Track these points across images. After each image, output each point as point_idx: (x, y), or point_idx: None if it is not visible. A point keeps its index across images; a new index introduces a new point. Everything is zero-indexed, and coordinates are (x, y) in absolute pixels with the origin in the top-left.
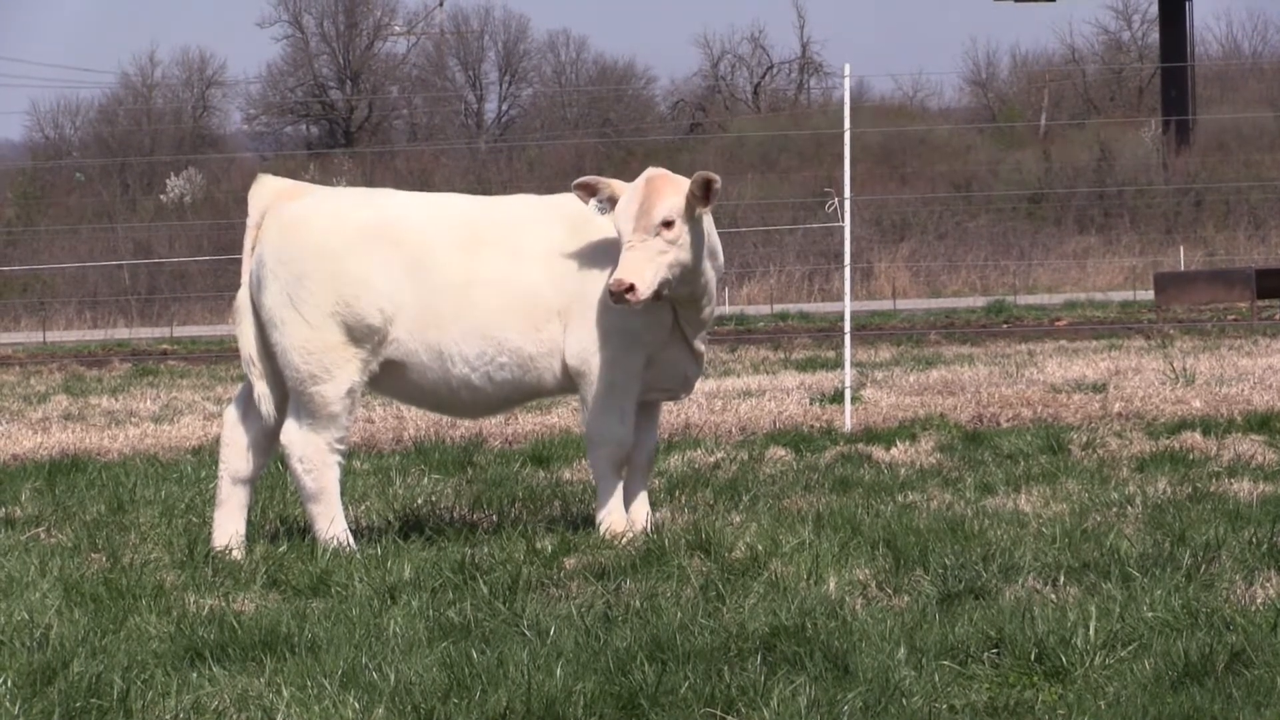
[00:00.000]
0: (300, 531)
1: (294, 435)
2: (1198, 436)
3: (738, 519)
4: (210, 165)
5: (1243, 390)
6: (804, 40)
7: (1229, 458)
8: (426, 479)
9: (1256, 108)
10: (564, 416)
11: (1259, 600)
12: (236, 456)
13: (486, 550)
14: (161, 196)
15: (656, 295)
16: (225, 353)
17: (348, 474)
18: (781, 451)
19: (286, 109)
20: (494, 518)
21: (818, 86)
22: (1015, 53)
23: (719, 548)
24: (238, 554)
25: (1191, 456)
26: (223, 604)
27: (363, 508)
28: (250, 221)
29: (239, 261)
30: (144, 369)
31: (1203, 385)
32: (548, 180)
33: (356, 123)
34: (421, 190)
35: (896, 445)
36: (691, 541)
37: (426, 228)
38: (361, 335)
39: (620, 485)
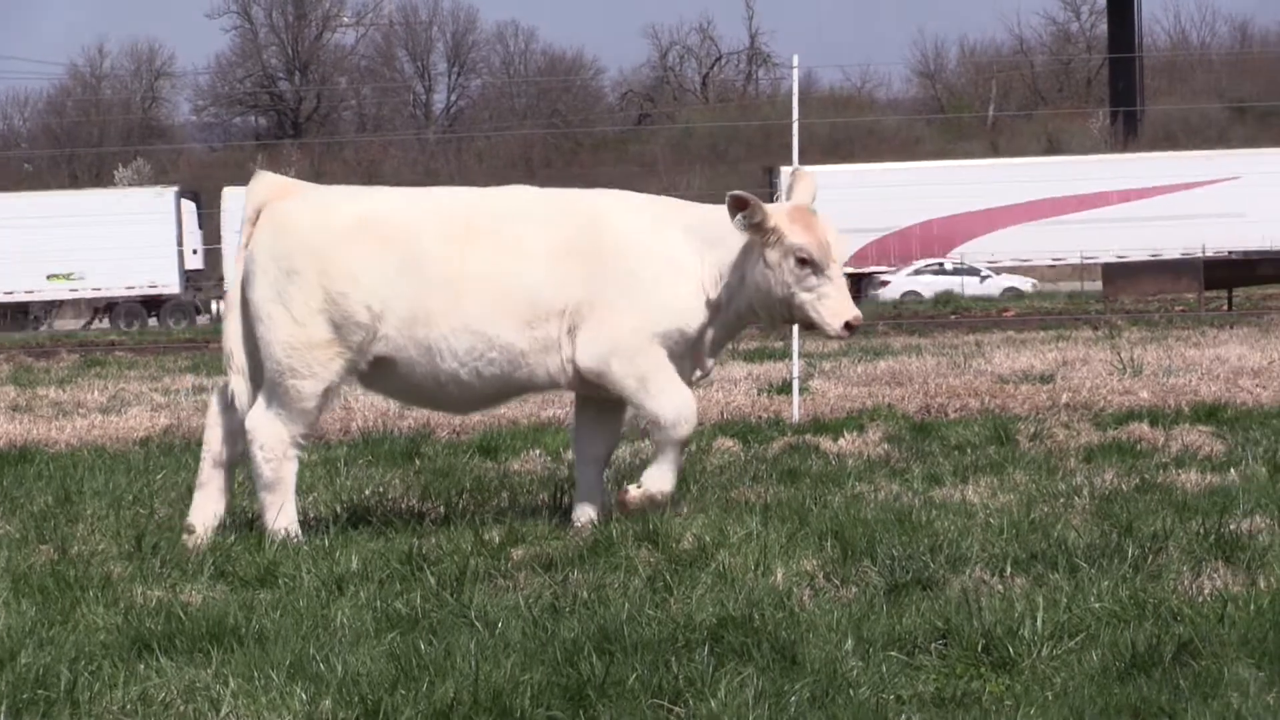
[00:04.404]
0: (248, 523)
1: (260, 422)
2: (1145, 427)
3: (685, 510)
4: (158, 156)
5: (1190, 381)
6: (752, 31)
7: (1176, 448)
8: (374, 470)
9: (1204, 99)
10: (510, 408)
11: (1206, 591)
12: (218, 440)
13: (434, 541)
14: (110, 187)
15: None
16: (173, 344)
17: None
18: (729, 442)
19: (235, 100)
20: (441, 509)
21: (766, 77)
22: (963, 44)
23: (667, 539)
24: (205, 536)
25: (1139, 447)
26: (170, 595)
27: (310, 499)
28: (245, 217)
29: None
30: (92, 360)
31: (1150, 376)
32: (498, 171)
33: (305, 113)
34: (370, 182)
35: (844, 436)
36: (639, 532)
37: (418, 223)
38: (349, 332)
39: (682, 457)
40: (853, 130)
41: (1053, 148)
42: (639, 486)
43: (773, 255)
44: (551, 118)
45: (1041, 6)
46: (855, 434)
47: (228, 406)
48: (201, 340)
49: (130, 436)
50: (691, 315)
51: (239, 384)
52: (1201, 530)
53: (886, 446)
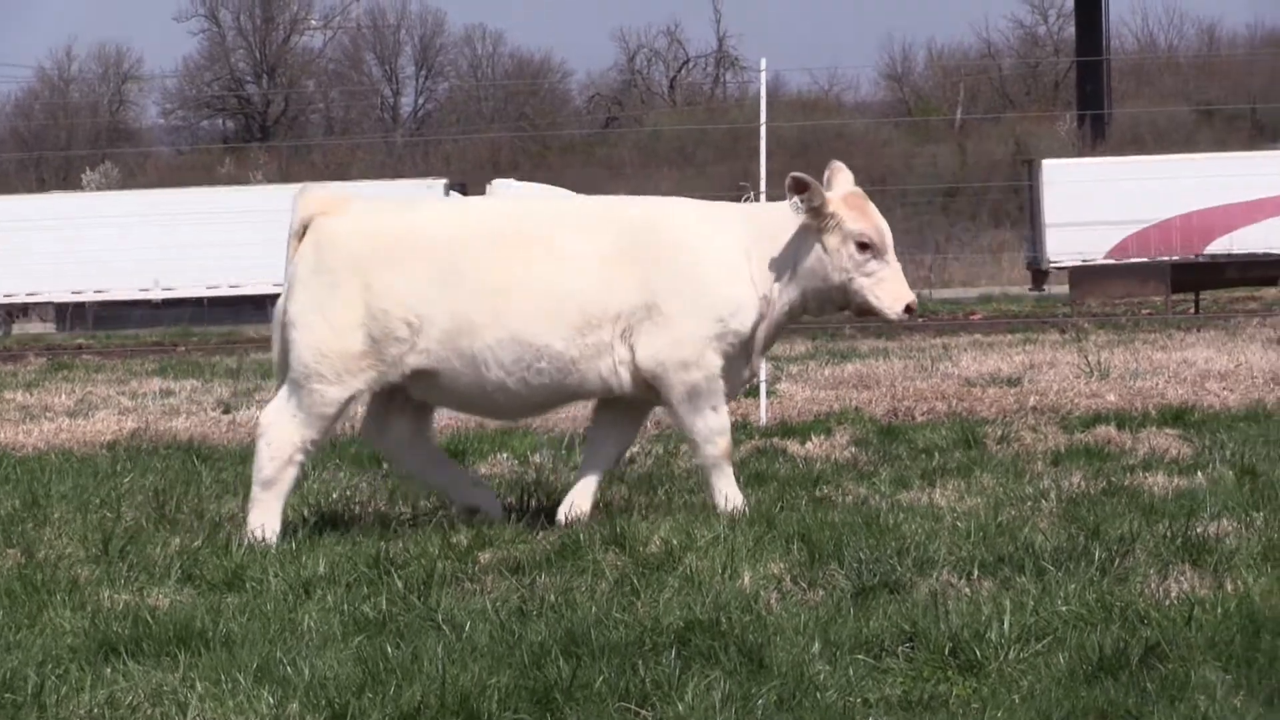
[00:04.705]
0: (215, 525)
1: (275, 419)
2: (1112, 430)
3: (653, 513)
4: (126, 159)
5: (1157, 384)
6: (720, 34)
7: (1143, 451)
8: (342, 473)
9: (1172, 101)
10: None
11: (1173, 594)
12: (396, 448)
13: (401, 545)
14: (78, 191)
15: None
16: (140, 347)
17: None
18: None
19: (203, 103)
20: (409, 512)
21: (734, 80)
22: (931, 47)
23: (634, 542)
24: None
25: (1106, 450)
26: (137, 599)
27: None
28: (292, 230)
29: None
30: (59, 363)
31: (1117, 379)
32: (465, 174)
33: (273, 117)
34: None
35: (811, 439)
36: (606, 536)
37: (463, 235)
38: (386, 346)
39: (732, 469)
40: (820, 133)
41: (1021, 150)
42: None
43: (832, 241)
44: (519, 121)
45: (1009, 10)
46: (823, 437)
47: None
48: (169, 343)
49: (97, 440)
50: (747, 315)
51: None
52: (1168, 533)
53: (854, 450)
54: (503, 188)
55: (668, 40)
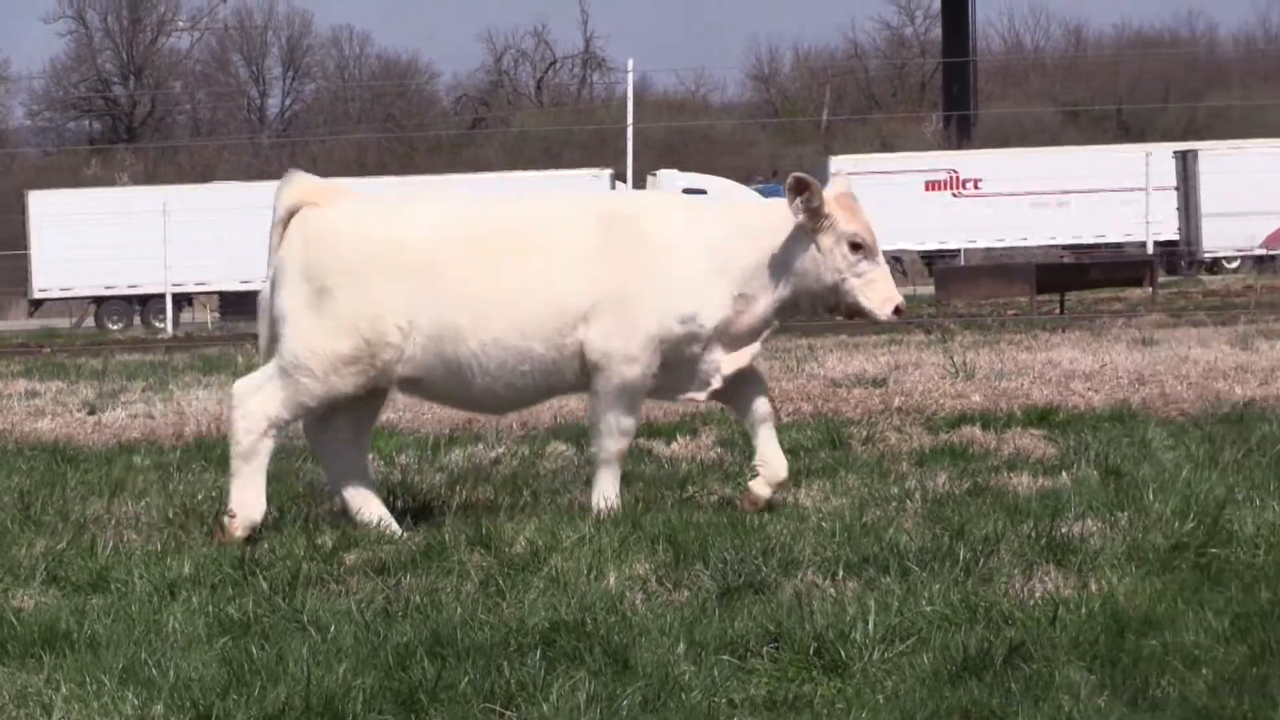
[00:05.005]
0: (80, 527)
1: (254, 392)
2: (977, 431)
3: (518, 514)
4: None
5: (1022, 385)
6: (587, 35)
7: (1008, 452)
8: (208, 474)
9: (1038, 102)
10: None
11: (1037, 594)
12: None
13: (267, 546)
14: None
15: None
16: (5, 349)
17: (128, 470)
18: (563, 446)
19: (70, 104)
20: (274, 513)
21: (601, 81)
22: (798, 48)
23: (499, 543)
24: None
25: (971, 451)
26: (1, 601)
27: (143, 503)
28: (276, 218)
29: (19, 257)
30: None
31: (982, 379)
32: (332, 175)
33: (139, 118)
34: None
35: (677, 440)
36: (472, 537)
37: (449, 239)
38: (379, 350)
39: (620, 472)
40: (687, 134)
41: (886, 151)
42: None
43: (826, 241)
44: (386, 122)
45: (876, 11)
46: (688, 438)
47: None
48: (35, 345)
49: None
50: (709, 317)
51: None
52: (1033, 533)
53: (720, 450)
54: (667, 179)
55: (535, 41)
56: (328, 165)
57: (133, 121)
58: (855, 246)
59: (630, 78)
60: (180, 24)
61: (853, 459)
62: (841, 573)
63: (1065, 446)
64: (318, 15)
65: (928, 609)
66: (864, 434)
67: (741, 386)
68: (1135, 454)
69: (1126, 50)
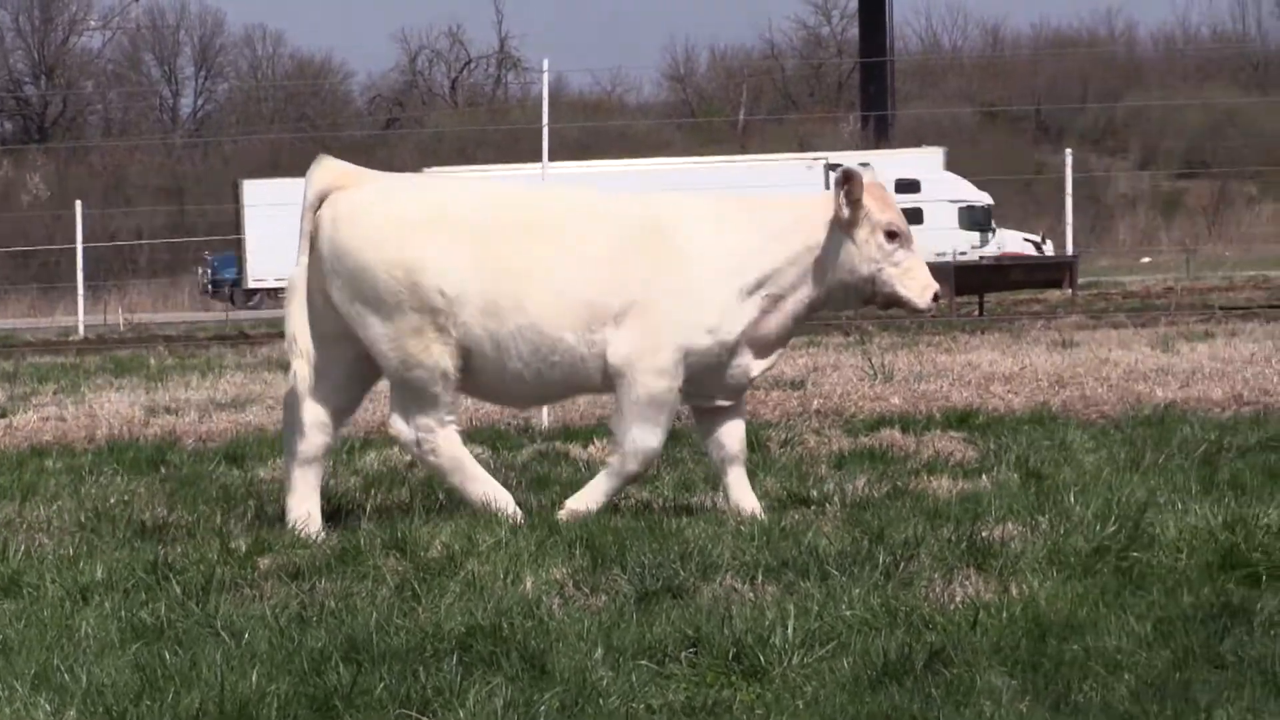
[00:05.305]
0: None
1: (402, 427)
2: (896, 433)
3: (434, 517)
4: None
5: (941, 387)
6: (502, 35)
7: (928, 455)
8: (120, 478)
9: (955, 102)
10: (258, 415)
11: (958, 599)
12: (298, 439)
13: (180, 550)
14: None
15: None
16: None
17: (40, 473)
18: (478, 449)
19: None
20: (188, 517)
21: (516, 81)
22: (714, 48)
23: (415, 547)
24: (312, 531)
25: (890, 453)
26: None
27: (54, 507)
28: (307, 204)
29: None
30: None
31: (901, 382)
32: (245, 175)
33: (51, 118)
34: (117, 186)
35: (594, 443)
36: (387, 541)
37: (486, 216)
38: (431, 315)
39: (617, 488)
40: (603, 134)
41: (806, 150)
42: (562, 508)
43: (861, 232)
44: (300, 122)
45: (792, 11)
46: (605, 441)
47: (302, 401)
48: None
49: None
50: (735, 325)
51: (302, 368)
52: (953, 537)
53: None
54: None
55: (450, 41)
56: (240, 165)
57: (44, 122)
58: (891, 235)
59: (545, 78)
60: (92, 23)
61: (771, 462)
62: (760, 577)
63: (985, 449)
64: (230, 14)
65: (847, 613)
66: (782, 436)
67: (718, 413)
68: (1056, 457)
69: (1045, 50)
